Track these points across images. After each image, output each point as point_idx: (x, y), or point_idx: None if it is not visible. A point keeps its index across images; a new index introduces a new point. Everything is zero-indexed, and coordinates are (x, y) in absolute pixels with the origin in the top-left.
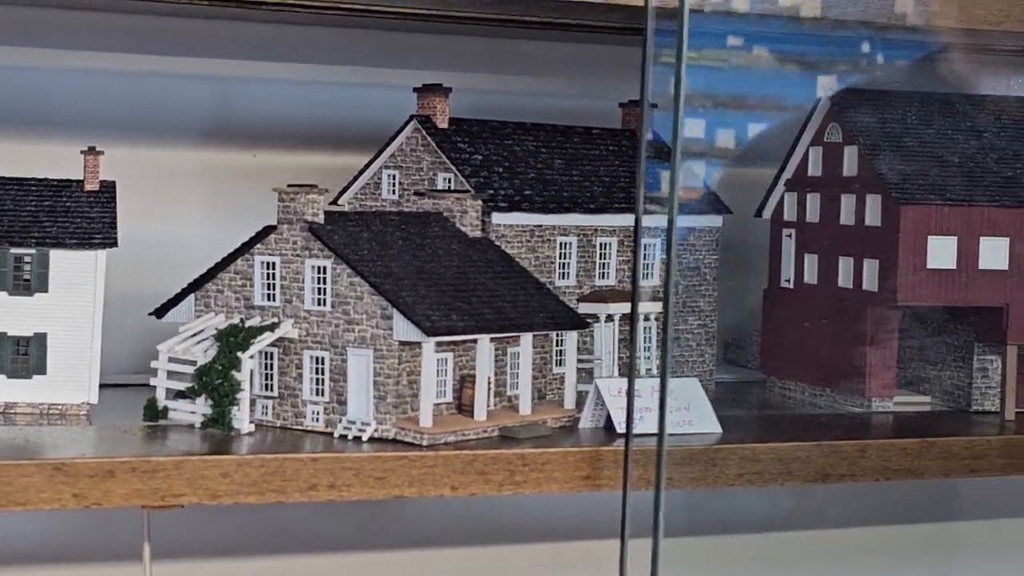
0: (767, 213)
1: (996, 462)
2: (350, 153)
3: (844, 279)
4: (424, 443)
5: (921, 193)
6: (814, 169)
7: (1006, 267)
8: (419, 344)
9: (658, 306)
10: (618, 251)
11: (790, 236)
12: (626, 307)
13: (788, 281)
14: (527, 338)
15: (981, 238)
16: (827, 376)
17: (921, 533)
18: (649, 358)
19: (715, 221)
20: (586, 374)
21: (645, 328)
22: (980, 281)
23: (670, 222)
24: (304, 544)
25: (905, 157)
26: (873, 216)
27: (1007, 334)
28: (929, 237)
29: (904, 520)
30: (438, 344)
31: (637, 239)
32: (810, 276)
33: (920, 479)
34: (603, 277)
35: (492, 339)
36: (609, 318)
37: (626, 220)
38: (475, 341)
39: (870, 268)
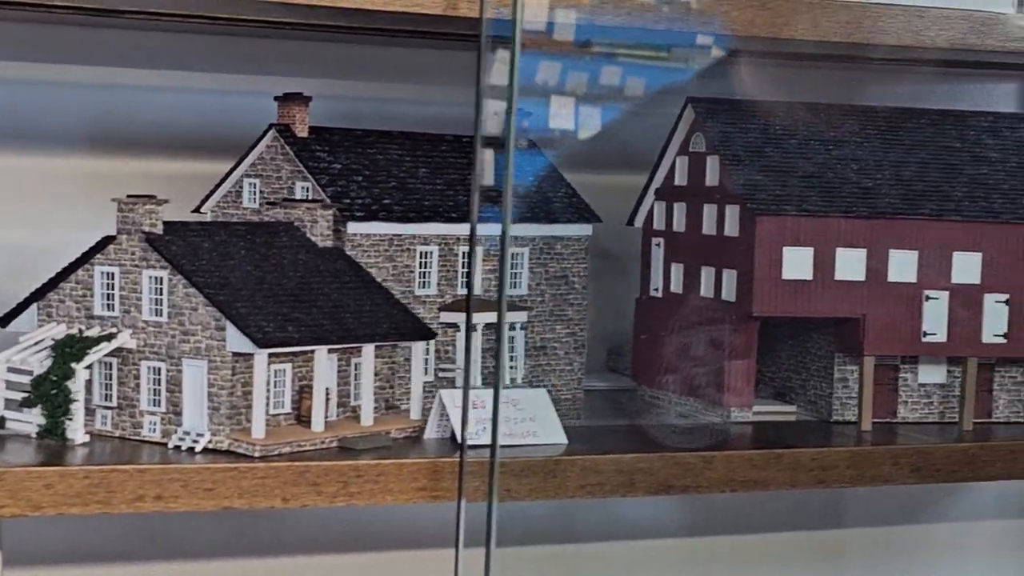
0: (639, 222)
1: (845, 473)
2: (219, 160)
3: (706, 289)
4: (256, 454)
5: (777, 204)
6: (680, 178)
7: (863, 278)
8: (253, 355)
9: (524, 315)
10: (483, 260)
11: (659, 245)
12: (489, 316)
13: (656, 290)
14: (368, 349)
15: (837, 249)
16: (690, 386)
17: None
18: (515, 368)
19: (584, 230)
20: (449, 383)
21: (511, 337)
22: (836, 292)
23: (504, 230)
24: (171, 551)
25: (764, 167)
26: (732, 226)
27: (863, 345)
28: (784, 248)
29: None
30: (275, 355)
31: (472, 246)
32: (676, 285)
33: (766, 491)
34: (464, 286)
35: (333, 350)
36: (473, 327)
37: (491, 229)
38: (314, 352)
39: (729, 278)
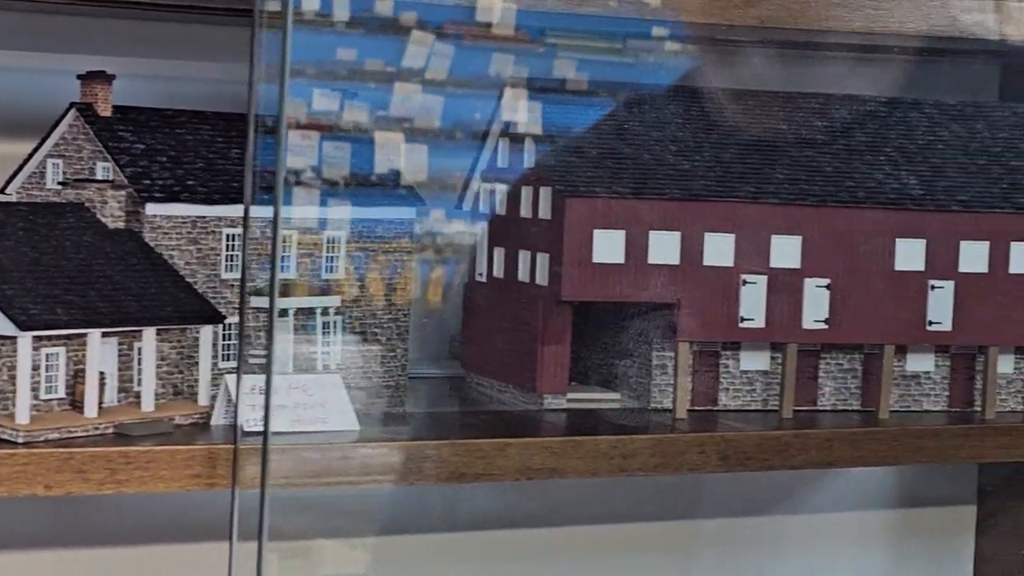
0: (467, 205)
1: (648, 461)
2: (24, 140)
3: (523, 273)
4: (20, 440)
5: (586, 186)
6: (503, 160)
7: (677, 262)
8: (16, 338)
9: (336, 300)
10: (298, 243)
11: (482, 228)
12: (301, 301)
13: (481, 275)
14: (150, 332)
15: (651, 232)
16: (509, 372)
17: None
18: (328, 353)
19: (406, 213)
20: (261, 370)
21: (324, 323)
22: (650, 276)
23: (276, 212)
24: None
25: (577, 149)
26: (545, 209)
27: (678, 330)
28: (595, 231)
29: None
30: (45, 338)
31: (246, 229)
32: (498, 270)
33: (565, 478)
34: (282, 270)
35: (110, 333)
36: (283, 312)
37: (307, 212)
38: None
39: (542, 262)
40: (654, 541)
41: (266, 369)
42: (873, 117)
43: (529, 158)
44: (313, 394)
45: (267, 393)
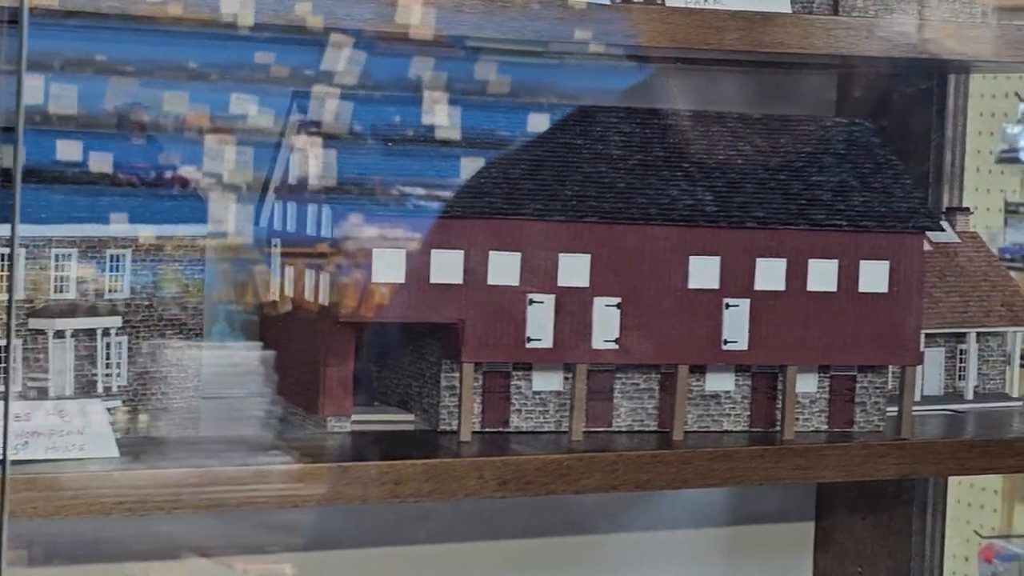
0: (263, 221)
1: (422, 487)
2: None
3: (309, 292)
4: None
5: (366, 203)
6: (292, 175)
7: (460, 281)
8: None
9: (118, 320)
10: (79, 262)
11: (276, 246)
12: (81, 322)
13: (275, 293)
14: None
15: (433, 250)
16: (297, 394)
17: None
18: (109, 376)
19: (196, 229)
20: (41, 394)
21: (107, 344)
22: (432, 296)
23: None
24: None
25: (360, 165)
26: (327, 227)
27: (462, 351)
28: (375, 250)
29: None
30: None
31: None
32: (289, 288)
33: (332, 505)
34: (60, 291)
35: None
36: (59, 334)
37: (85, 231)
38: None
39: (324, 281)
40: (477, 562)
41: (4, 395)
42: (673, 131)
43: (313, 173)
44: (70, 420)
45: (4, 418)
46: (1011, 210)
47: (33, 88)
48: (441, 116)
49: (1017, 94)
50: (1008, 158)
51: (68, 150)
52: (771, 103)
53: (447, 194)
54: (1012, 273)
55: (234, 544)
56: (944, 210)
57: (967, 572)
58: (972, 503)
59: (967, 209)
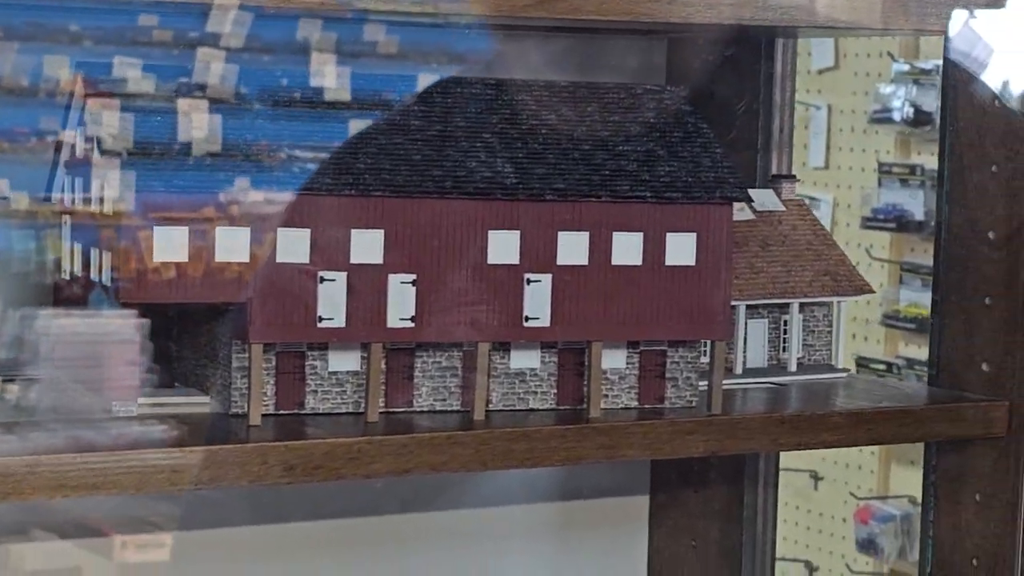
0: (56, 190)
1: (202, 474)
2: None
3: (95, 272)
4: None
5: (144, 178)
6: (79, 148)
7: (247, 259)
8: None
9: None
10: None
11: (66, 222)
12: None
13: (66, 272)
14: None
15: (218, 228)
16: (85, 379)
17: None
18: None
19: None
20: None
21: None
22: (219, 275)
23: None
24: None
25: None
26: (108, 203)
27: (249, 331)
28: (155, 228)
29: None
30: None
31: None
32: (77, 267)
33: (108, 495)
34: None
35: None
36: None
37: None
38: None
39: (107, 260)
40: (309, 541)
41: None
42: (476, 100)
43: (97, 150)
44: None
45: None
46: (884, 170)
47: None
48: (216, 72)
49: (890, 54)
50: (881, 118)
51: None
52: (597, 71)
53: (232, 169)
54: (884, 234)
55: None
56: (770, 178)
57: (844, 534)
58: (849, 464)
59: (793, 176)
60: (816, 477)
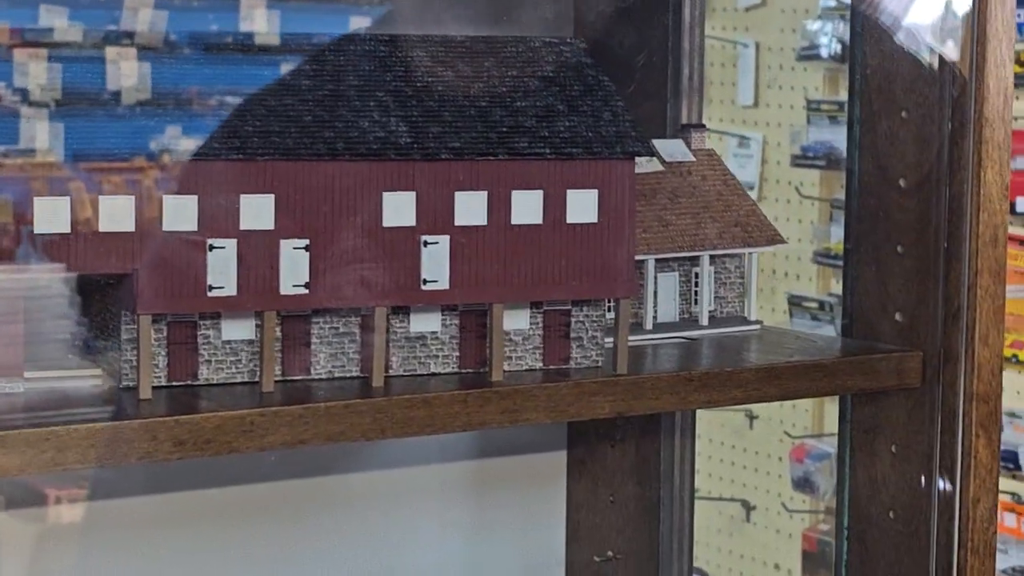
0: None
1: (88, 453)
2: None
3: None
4: None
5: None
6: None
7: (132, 228)
8: None
9: None
10: None
11: None
12: None
13: None
14: None
15: (101, 197)
16: None
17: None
18: None
19: None
20: None
21: None
22: (103, 245)
23: None
24: None
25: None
26: None
27: (137, 303)
28: (35, 198)
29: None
30: None
31: None
32: None
33: None
34: None
35: None
36: None
37: None
38: None
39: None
40: (215, 509)
41: None
42: (369, 58)
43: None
44: None
45: None
46: (813, 108)
47: None
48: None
49: None
50: (809, 55)
51: None
52: (505, 23)
53: (112, 135)
54: (815, 171)
55: None
56: (679, 127)
57: (780, 472)
58: (783, 404)
59: (703, 126)
60: (751, 416)
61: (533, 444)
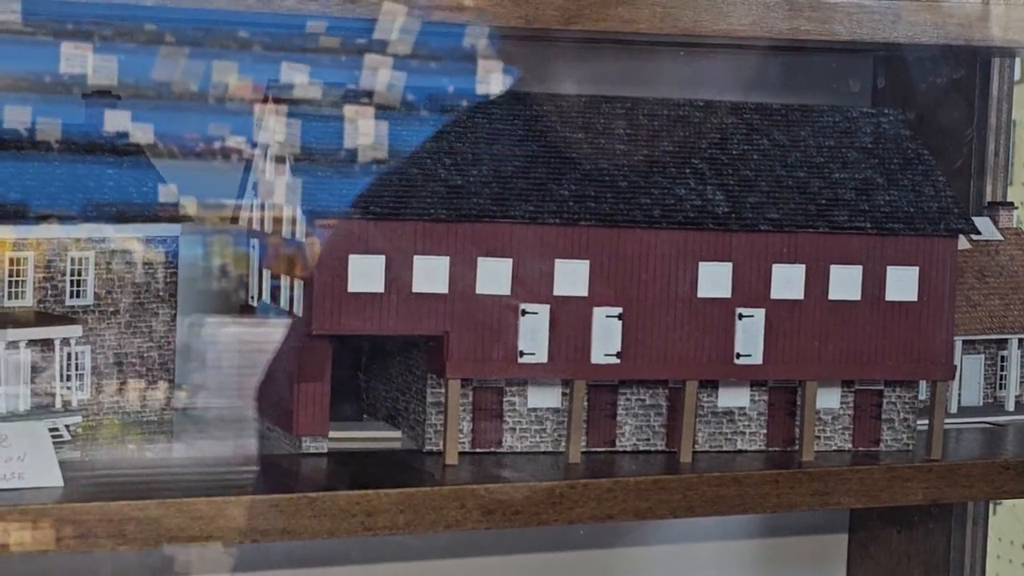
0: (244, 220)
1: (397, 519)
2: None
3: (285, 301)
4: None
5: (339, 206)
6: (268, 179)
7: (446, 290)
8: None
9: (78, 329)
10: (35, 268)
11: (254, 247)
12: (34, 332)
13: (253, 299)
14: None
15: (416, 257)
16: (274, 411)
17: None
18: (71, 388)
19: (169, 230)
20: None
21: (68, 354)
22: (414, 306)
23: None
24: None
25: (332, 164)
26: (301, 231)
27: (447, 366)
28: (351, 256)
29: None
30: None
31: None
32: (267, 295)
33: (299, 539)
34: (16, 297)
35: None
36: (13, 344)
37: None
38: None
39: (299, 291)
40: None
41: None
42: (683, 123)
43: (286, 176)
44: (11, 445)
45: None
46: None
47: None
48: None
49: None
50: None
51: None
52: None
53: (431, 195)
54: None
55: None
56: (986, 205)
57: None
58: None
59: (1011, 204)
60: None
61: (814, 525)
